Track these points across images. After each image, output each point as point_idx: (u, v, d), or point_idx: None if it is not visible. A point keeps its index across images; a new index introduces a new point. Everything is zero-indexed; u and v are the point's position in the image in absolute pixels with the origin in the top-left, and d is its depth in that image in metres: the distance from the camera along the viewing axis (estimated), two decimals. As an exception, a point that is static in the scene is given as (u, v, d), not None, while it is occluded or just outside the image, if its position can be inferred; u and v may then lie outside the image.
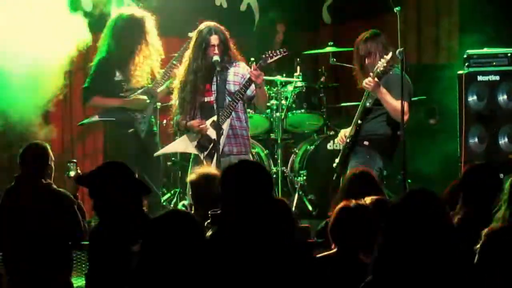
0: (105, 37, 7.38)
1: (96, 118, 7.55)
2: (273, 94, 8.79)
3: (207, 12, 8.88)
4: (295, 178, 8.73)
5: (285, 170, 8.79)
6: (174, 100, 7.09)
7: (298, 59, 8.98)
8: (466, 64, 7.79)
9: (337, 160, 7.23)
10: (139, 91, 7.44)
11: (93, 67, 7.44)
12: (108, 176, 4.59)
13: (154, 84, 7.50)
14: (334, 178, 7.26)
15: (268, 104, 8.74)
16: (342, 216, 4.39)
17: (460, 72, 7.80)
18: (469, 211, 4.91)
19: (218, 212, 4.56)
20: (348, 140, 7.11)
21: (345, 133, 7.19)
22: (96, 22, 7.82)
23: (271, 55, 6.92)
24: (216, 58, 6.79)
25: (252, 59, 7.85)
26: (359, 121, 7.07)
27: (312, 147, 8.79)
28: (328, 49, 9.03)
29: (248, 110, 7.59)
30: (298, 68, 9.00)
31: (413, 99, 7.39)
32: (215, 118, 6.76)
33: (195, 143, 6.96)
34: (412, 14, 9.44)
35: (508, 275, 3.62)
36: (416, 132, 8.38)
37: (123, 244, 4.45)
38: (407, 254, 3.34)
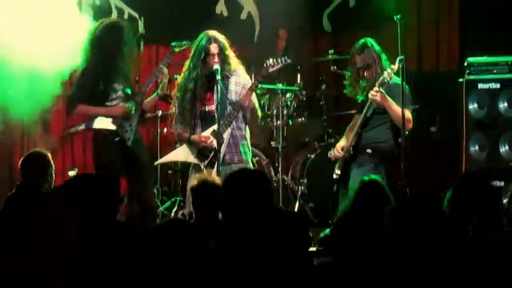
0: (86, 47, 7.32)
1: (82, 126, 7.52)
2: (274, 102, 8.80)
3: (208, 20, 8.89)
4: (296, 187, 8.73)
5: (286, 179, 8.78)
6: (174, 109, 7.07)
7: (299, 67, 8.99)
8: (467, 72, 7.81)
9: (337, 171, 7.19)
10: (123, 99, 7.33)
11: (76, 77, 7.37)
12: (75, 189, 4.53)
13: (138, 92, 7.41)
14: (334, 189, 7.23)
15: (269, 112, 8.74)
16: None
17: (460, 80, 7.81)
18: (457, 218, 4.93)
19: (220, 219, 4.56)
20: (350, 150, 7.08)
21: (340, 146, 7.16)
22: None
23: (272, 63, 6.91)
24: (216, 66, 6.78)
25: (253, 67, 7.84)
26: (360, 130, 7.07)
27: (313, 155, 8.79)
28: (329, 57, 9.06)
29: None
30: (299, 76, 9.01)
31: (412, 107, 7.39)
32: (215, 127, 6.76)
33: (196, 152, 6.94)
34: (413, 21, 9.43)
35: None
36: (417, 140, 8.37)
37: (97, 256, 4.38)
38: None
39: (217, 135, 6.71)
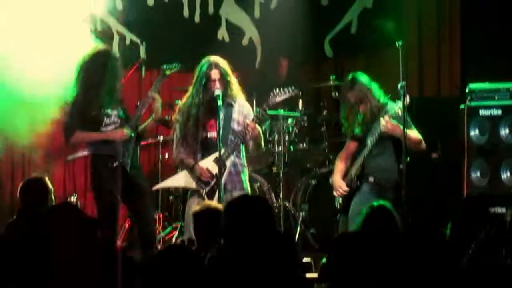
0: (75, 76, 7.32)
1: (83, 153, 7.50)
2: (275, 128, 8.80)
3: (209, 46, 8.92)
4: (297, 212, 8.71)
5: (287, 204, 8.76)
6: (176, 133, 7.05)
7: (300, 92, 8.99)
8: (468, 98, 7.82)
9: (339, 201, 7.16)
10: (120, 124, 7.30)
11: (69, 106, 7.36)
12: (52, 222, 4.48)
13: (133, 117, 7.39)
14: (337, 217, 7.21)
15: (270, 137, 8.74)
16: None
17: (462, 106, 7.82)
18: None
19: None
20: (356, 181, 7.07)
21: (340, 184, 7.14)
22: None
23: (279, 93, 6.92)
24: (217, 92, 6.78)
25: (254, 93, 7.85)
26: (364, 160, 7.06)
27: (314, 181, 8.77)
28: (331, 82, 9.08)
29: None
30: (300, 101, 9.02)
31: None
32: (217, 154, 6.73)
33: (197, 178, 6.91)
34: (414, 46, 9.45)
35: None
36: (418, 166, 8.35)
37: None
38: None
39: (219, 162, 6.69)
